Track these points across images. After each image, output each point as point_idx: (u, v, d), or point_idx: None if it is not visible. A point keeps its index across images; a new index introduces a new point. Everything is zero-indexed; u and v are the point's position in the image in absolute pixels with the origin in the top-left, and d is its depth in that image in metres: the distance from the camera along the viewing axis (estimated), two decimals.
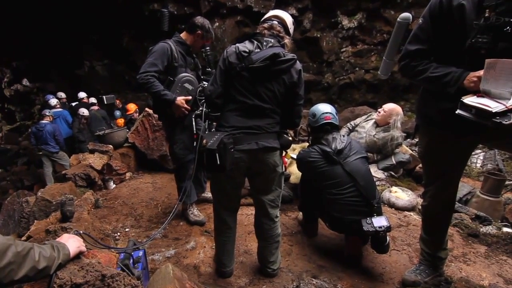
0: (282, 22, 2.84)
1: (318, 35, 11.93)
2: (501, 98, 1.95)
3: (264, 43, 2.68)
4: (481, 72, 2.02)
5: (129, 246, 2.56)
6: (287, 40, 2.79)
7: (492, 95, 1.98)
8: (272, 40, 2.70)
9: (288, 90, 2.69)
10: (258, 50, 2.64)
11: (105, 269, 1.90)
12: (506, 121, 1.88)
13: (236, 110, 2.68)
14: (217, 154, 2.40)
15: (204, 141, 2.51)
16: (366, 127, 5.66)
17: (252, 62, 2.56)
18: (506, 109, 1.89)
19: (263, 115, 2.68)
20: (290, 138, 2.89)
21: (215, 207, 3.08)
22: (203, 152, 2.50)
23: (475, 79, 2.07)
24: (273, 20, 2.82)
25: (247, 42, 2.74)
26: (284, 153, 3.02)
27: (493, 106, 1.92)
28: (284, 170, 3.10)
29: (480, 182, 5.59)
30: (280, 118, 2.80)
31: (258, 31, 2.81)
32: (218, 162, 2.42)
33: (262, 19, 2.91)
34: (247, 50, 2.63)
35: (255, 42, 2.70)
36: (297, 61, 2.70)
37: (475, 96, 2.06)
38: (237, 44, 2.70)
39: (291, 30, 2.93)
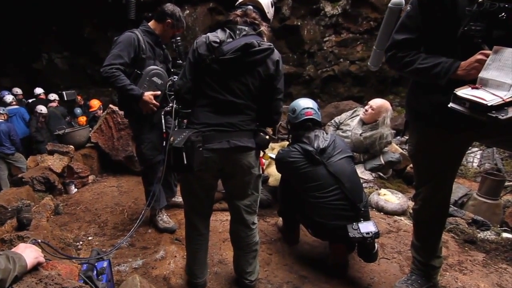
0: (257, 6, 2.77)
1: (299, 23, 11.94)
2: (499, 90, 1.92)
3: (237, 32, 2.60)
4: (483, 56, 2.00)
5: (92, 256, 2.52)
6: (263, 28, 2.69)
7: (489, 86, 1.96)
8: (246, 28, 2.62)
9: (264, 83, 2.62)
10: (231, 39, 2.57)
11: (66, 281, 1.85)
12: (502, 116, 1.83)
13: (207, 106, 2.63)
14: (183, 153, 2.36)
15: (171, 139, 2.47)
16: (351, 124, 5.67)
17: (223, 53, 2.50)
18: (502, 102, 1.86)
19: (236, 111, 2.63)
20: (268, 137, 2.82)
21: (186, 212, 3.03)
22: (169, 151, 2.46)
23: (476, 64, 2.04)
24: (247, 5, 2.75)
25: (218, 31, 2.67)
26: (261, 153, 2.98)
27: (489, 99, 1.89)
28: (261, 172, 3.07)
29: (477, 183, 5.65)
30: (257, 115, 2.75)
31: (231, 18, 2.71)
32: (185, 162, 2.38)
33: (236, 3, 2.85)
34: (218, 40, 2.56)
35: (227, 31, 2.62)
36: (275, 51, 2.63)
37: (470, 88, 2.02)
38: (208, 34, 2.63)
39: (270, 14, 2.87)
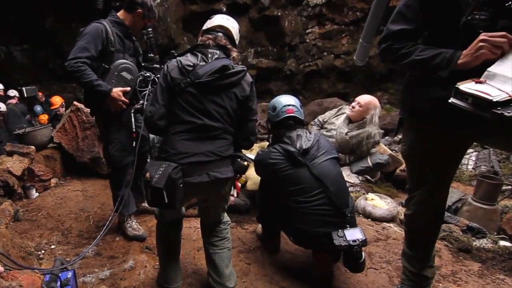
0: (227, 33, 2.91)
1: (279, 14, 11.96)
2: (505, 85, 1.88)
3: (209, 55, 2.75)
4: (485, 37, 1.97)
5: (56, 266, 2.51)
6: (235, 54, 2.89)
7: (496, 81, 1.93)
8: (218, 52, 2.78)
9: (241, 105, 2.78)
10: (203, 63, 2.71)
11: None
12: (509, 113, 1.77)
13: (183, 133, 2.69)
14: (164, 192, 2.40)
15: (148, 174, 2.48)
16: (336, 123, 5.67)
17: (199, 76, 2.62)
18: (509, 97, 1.82)
19: (214, 136, 2.71)
20: (246, 163, 2.92)
21: (157, 217, 3.07)
22: (147, 188, 2.49)
23: (481, 44, 1.99)
24: (218, 32, 2.88)
25: (189, 55, 2.80)
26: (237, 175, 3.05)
27: (494, 94, 1.84)
28: (236, 195, 3.15)
29: (472, 187, 5.64)
30: (234, 138, 2.86)
31: (200, 42, 2.86)
32: (166, 201, 2.43)
33: (205, 28, 2.96)
34: (191, 64, 2.68)
35: (199, 55, 2.76)
36: (247, 73, 2.83)
37: (473, 82, 1.98)
38: (179, 58, 2.75)
39: (237, 40, 3.03)
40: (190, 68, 2.64)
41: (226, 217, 3.16)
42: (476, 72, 2.02)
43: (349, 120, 5.57)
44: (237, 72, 2.69)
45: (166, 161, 2.59)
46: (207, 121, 2.64)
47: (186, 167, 2.61)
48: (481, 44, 1.99)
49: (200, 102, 2.65)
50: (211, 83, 2.61)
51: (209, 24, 2.95)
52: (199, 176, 2.63)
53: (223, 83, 2.65)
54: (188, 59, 2.72)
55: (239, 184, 4.83)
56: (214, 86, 2.64)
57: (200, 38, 2.90)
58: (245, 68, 2.79)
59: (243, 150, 3.03)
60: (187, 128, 2.66)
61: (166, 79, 2.67)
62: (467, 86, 1.97)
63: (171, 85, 2.65)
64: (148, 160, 4.26)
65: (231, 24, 2.95)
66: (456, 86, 2.00)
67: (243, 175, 4.91)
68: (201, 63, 2.69)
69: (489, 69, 1.97)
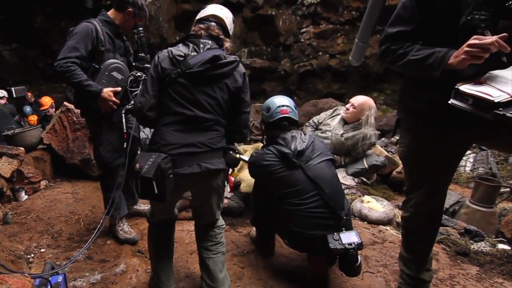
0: (220, 23, 2.89)
1: (273, 13, 11.90)
2: (506, 86, 1.89)
3: (201, 45, 2.74)
4: (475, 41, 1.95)
5: (46, 270, 2.50)
6: (227, 44, 2.88)
7: (497, 82, 1.94)
8: (210, 42, 2.77)
9: (233, 96, 2.76)
10: (195, 53, 2.70)
11: None
12: (511, 114, 1.78)
13: (173, 124, 2.68)
14: (154, 183, 2.38)
15: (137, 165, 2.47)
16: (331, 124, 5.66)
17: (190, 66, 2.61)
18: (511, 98, 1.82)
19: (205, 128, 2.70)
20: (238, 155, 2.92)
21: (148, 218, 3.07)
22: (137, 179, 2.47)
23: (467, 49, 1.97)
24: (210, 21, 2.86)
25: (180, 45, 2.81)
26: (230, 170, 3.03)
27: (495, 95, 1.85)
28: (230, 190, 3.12)
29: (470, 189, 5.65)
30: (226, 131, 2.84)
31: (193, 32, 2.86)
32: (156, 192, 2.41)
33: (198, 17, 2.95)
34: (182, 54, 2.67)
35: (191, 45, 2.76)
36: (240, 64, 2.81)
37: (473, 83, 1.99)
38: (170, 48, 2.74)
39: (231, 30, 3.00)
40: (181, 59, 2.64)
41: (221, 221, 3.13)
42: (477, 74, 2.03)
43: (345, 122, 5.56)
44: (229, 63, 2.68)
45: (156, 152, 2.59)
46: (198, 113, 2.63)
47: (176, 157, 2.60)
48: (466, 49, 1.98)
49: (191, 93, 2.64)
50: (202, 74, 2.61)
51: (202, 13, 2.94)
52: (189, 167, 2.62)
53: (214, 73, 2.64)
54: (180, 49, 2.71)
55: (233, 179, 4.83)
56: (205, 76, 2.63)
57: (193, 28, 2.90)
58: (238, 59, 2.77)
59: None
60: (178, 119, 2.66)
61: (157, 69, 2.67)
62: (467, 87, 1.97)
63: (161, 75, 2.65)
64: None
65: (225, 14, 2.92)
66: (456, 87, 2.01)
67: (236, 176, 4.92)
68: (192, 54, 2.68)
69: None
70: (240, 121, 2.89)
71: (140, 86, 3.53)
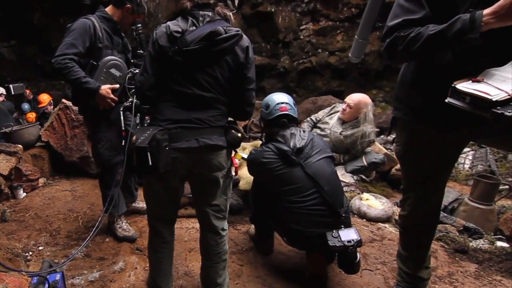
0: None
1: (273, 10, 11.86)
2: (504, 84, 1.86)
3: (201, 19, 2.56)
4: None
5: (44, 268, 2.50)
6: (227, 11, 2.67)
7: (494, 80, 1.92)
8: (210, 14, 2.58)
9: (234, 73, 2.60)
10: (194, 28, 2.53)
11: None
12: (509, 112, 1.73)
13: (172, 101, 2.59)
14: (148, 153, 2.32)
15: (134, 137, 2.42)
16: (330, 122, 5.64)
17: (186, 44, 2.45)
18: (509, 97, 1.80)
19: (205, 106, 2.59)
20: (240, 135, 2.78)
21: (149, 217, 2.99)
22: (132, 151, 2.41)
23: None
24: None
25: (179, 19, 2.61)
26: (233, 153, 2.95)
27: (493, 93, 1.82)
28: (235, 173, 3.04)
29: (469, 186, 5.67)
30: (228, 109, 2.73)
31: (177, 8, 2.67)
32: (150, 163, 2.34)
33: None
34: (180, 30, 2.51)
35: (190, 19, 2.57)
36: (244, 36, 2.61)
37: (470, 81, 1.96)
38: (168, 23, 2.58)
39: (232, 4, 2.83)
40: (178, 35, 2.48)
41: (225, 225, 2.99)
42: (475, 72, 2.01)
43: (343, 120, 5.55)
44: (229, 37, 2.49)
45: (154, 126, 2.54)
46: (197, 91, 2.53)
47: (174, 132, 2.52)
48: None
49: (189, 72, 2.53)
50: (199, 51, 2.45)
51: None
52: (187, 142, 2.53)
53: (213, 50, 2.47)
54: (178, 24, 2.54)
55: (237, 160, 4.81)
56: (203, 54, 2.47)
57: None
58: (240, 32, 2.55)
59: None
60: (177, 97, 2.57)
61: (155, 47, 2.53)
62: (464, 85, 1.95)
63: (159, 53, 2.52)
64: None
65: None
66: (453, 85, 1.98)
67: (239, 158, 4.90)
68: (190, 28, 2.51)
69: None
70: (243, 98, 2.73)
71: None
